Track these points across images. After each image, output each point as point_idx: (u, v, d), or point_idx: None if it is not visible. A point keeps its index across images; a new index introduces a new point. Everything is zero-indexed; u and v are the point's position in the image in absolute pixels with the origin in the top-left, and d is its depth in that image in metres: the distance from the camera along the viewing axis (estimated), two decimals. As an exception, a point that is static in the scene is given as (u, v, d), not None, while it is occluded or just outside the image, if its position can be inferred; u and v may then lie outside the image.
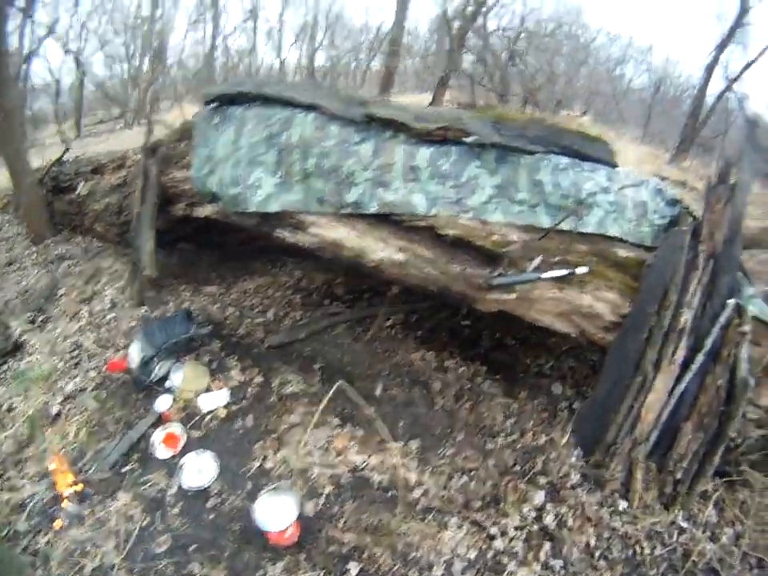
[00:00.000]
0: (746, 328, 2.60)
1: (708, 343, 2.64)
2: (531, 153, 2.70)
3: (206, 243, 4.20)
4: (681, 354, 2.65)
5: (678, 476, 2.67)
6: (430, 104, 10.46)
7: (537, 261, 2.70)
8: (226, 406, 3.18)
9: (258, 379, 3.35)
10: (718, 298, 2.67)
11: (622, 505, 2.66)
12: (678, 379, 2.66)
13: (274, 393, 3.27)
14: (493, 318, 3.09)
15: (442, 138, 2.76)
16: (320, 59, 18.70)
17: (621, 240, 2.80)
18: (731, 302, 2.64)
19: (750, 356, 2.62)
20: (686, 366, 2.66)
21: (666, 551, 2.49)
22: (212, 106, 3.57)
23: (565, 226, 2.72)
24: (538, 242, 2.72)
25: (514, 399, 3.38)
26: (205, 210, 3.59)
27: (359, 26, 18.52)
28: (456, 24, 10.90)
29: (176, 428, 3.01)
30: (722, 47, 11.75)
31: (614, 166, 2.87)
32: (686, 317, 2.64)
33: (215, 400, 3.19)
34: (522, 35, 12.51)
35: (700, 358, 2.64)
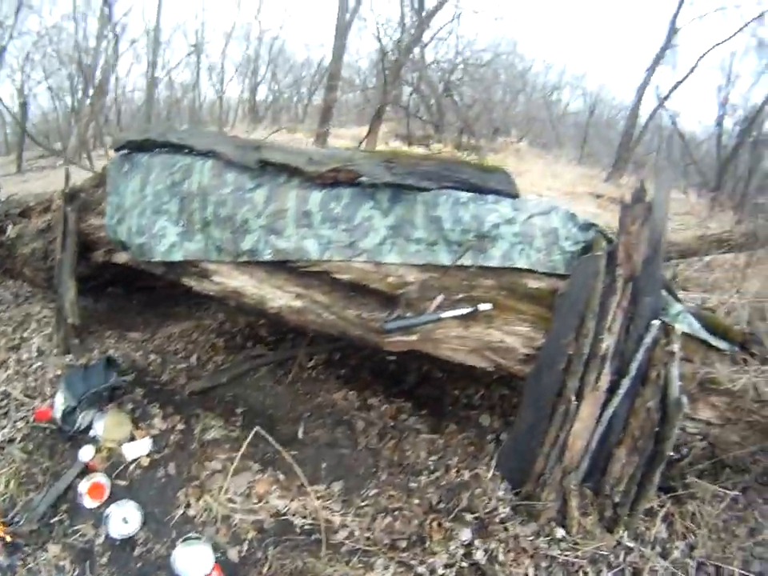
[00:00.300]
0: (675, 347, 2.58)
1: (633, 367, 2.62)
2: (425, 189, 2.67)
3: (133, 287, 4.17)
4: (605, 381, 2.63)
5: (617, 499, 2.66)
6: (366, 137, 10.57)
7: (438, 300, 2.67)
8: (149, 455, 3.16)
9: (180, 426, 3.33)
10: (641, 320, 2.65)
11: (560, 533, 2.63)
12: (605, 405, 2.64)
13: (196, 439, 3.25)
14: (417, 352, 3.08)
15: (333, 180, 2.73)
16: (262, 94, 19.10)
17: (530, 271, 2.76)
18: (655, 323, 2.62)
19: (682, 374, 2.61)
20: (612, 391, 2.64)
21: (613, 573, 2.47)
22: (122, 152, 3.55)
23: (467, 261, 2.68)
24: (438, 280, 2.69)
25: (440, 434, 3.35)
26: (121, 257, 3.56)
27: (301, 60, 18.90)
28: (393, 57, 11.10)
29: (101, 478, 2.99)
30: (652, 69, 12.37)
31: (514, 196, 2.83)
32: (608, 343, 2.62)
33: (138, 448, 3.18)
34: (460, 66, 12.98)
35: (626, 382, 2.62)
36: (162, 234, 3.08)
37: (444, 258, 2.70)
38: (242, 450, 2.90)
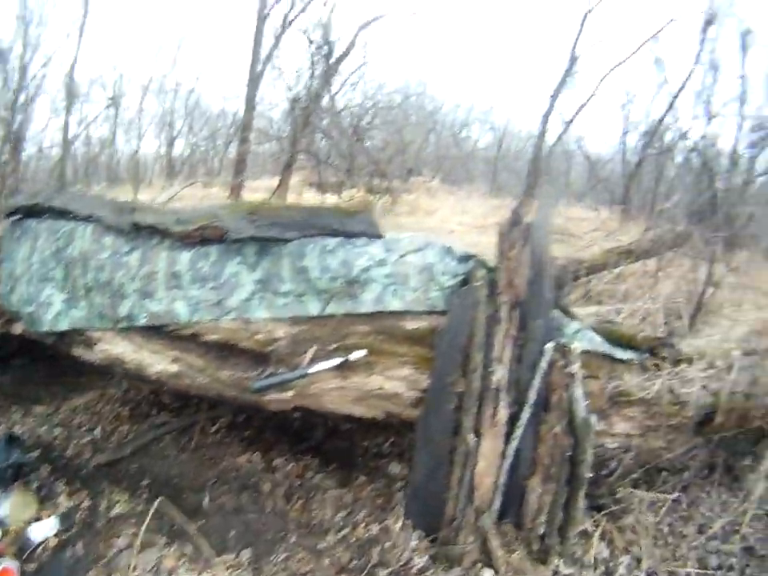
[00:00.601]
0: (574, 367, 2.60)
1: (531, 395, 2.63)
2: (287, 240, 2.77)
3: (39, 358, 4.24)
4: (503, 414, 2.64)
5: (542, 530, 2.63)
6: (278, 187, 10.89)
7: (310, 353, 2.72)
8: (56, 534, 3.11)
9: (87, 503, 3.31)
10: (533, 345, 2.67)
11: (488, 573, 2.59)
12: (509, 438, 2.64)
13: (102, 516, 3.22)
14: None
15: (200, 238, 2.83)
16: (179, 147, 19.44)
17: (407, 312, 2.81)
18: (549, 346, 2.63)
19: (589, 392, 2.63)
20: (514, 422, 2.64)
21: (556, 602, 2.40)
22: (14, 218, 3.67)
23: (338, 309, 2.74)
24: (309, 332, 2.74)
25: (348, 488, 3.31)
26: (17, 328, 3.63)
27: (216, 112, 19.29)
28: (303, 105, 11.58)
29: (9, 563, 2.94)
30: (555, 96, 12.95)
31: (378, 237, 2.90)
32: (499, 374, 2.63)
33: (45, 529, 3.14)
34: (371, 111, 13.57)
35: (526, 411, 2.63)
36: (48, 302, 3.15)
37: (313, 308, 2.76)
38: (146, 523, 2.90)
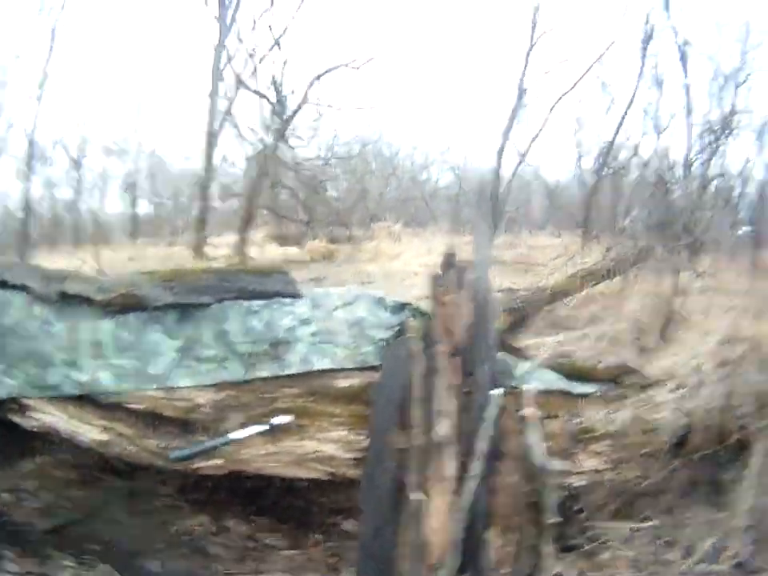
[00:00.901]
0: (528, 411, 2.56)
1: (481, 445, 2.56)
2: (206, 305, 2.83)
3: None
4: (450, 468, 2.57)
5: None
6: (240, 243, 11.26)
7: (237, 419, 2.79)
8: None
9: (34, 569, 3.36)
10: (480, 392, 2.62)
11: None
12: (459, 492, 2.57)
13: None
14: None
15: (121, 307, 2.89)
16: (143, 207, 19.83)
17: (336, 369, 2.81)
18: (495, 392, 2.58)
19: (548, 433, 2.61)
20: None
21: None
22: None
23: (262, 373, 2.76)
24: (235, 398, 2.78)
25: (302, 548, 3.35)
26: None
27: (178, 171, 19.41)
28: (260, 161, 11.97)
29: None
30: (507, 130, 13.65)
31: (296, 296, 2.93)
32: (443, 428, 2.58)
33: None
34: (330, 161, 14.36)
35: (477, 463, 2.56)
36: None
37: (236, 373, 2.77)
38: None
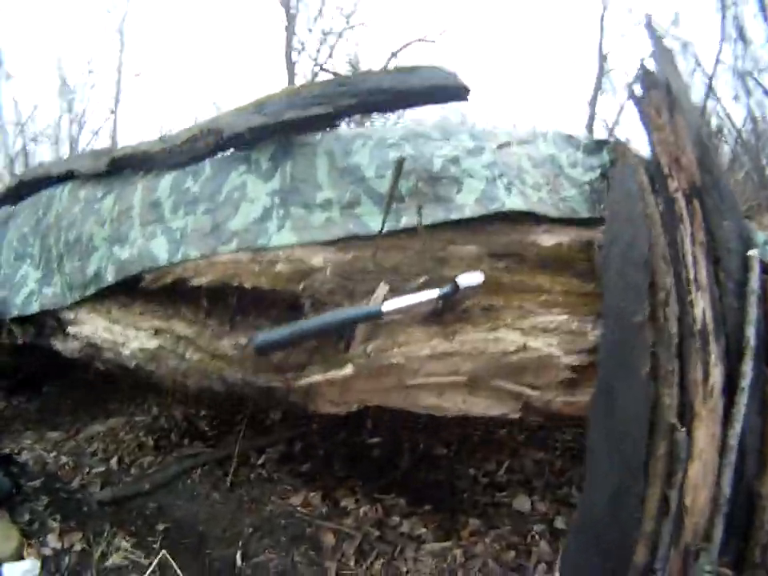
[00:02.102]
0: None
1: (750, 336, 1.09)
2: (314, 128, 1.31)
3: (68, 384, 2.85)
4: (718, 377, 1.07)
5: None
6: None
7: (380, 291, 1.15)
8: None
9: (80, 546, 1.78)
10: (729, 258, 1.15)
11: None
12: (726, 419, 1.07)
13: (93, 566, 1.69)
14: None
15: (192, 156, 1.40)
16: None
17: (535, 220, 1.27)
18: (753, 253, 1.15)
19: None
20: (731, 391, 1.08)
21: None
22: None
23: (420, 220, 1.20)
24: (372, 260, 1.19)
25: (455, 539, 1.63)
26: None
27: None
28: None
29: None
30: (593, 101, 10.09)
31: (462, 89, 1.34)
32: (701, 305, 1.10)
33: (22, 572, 1.69)
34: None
35: (748, 367, 1.08)
36: (22, 282, 1.82)
37: (373, 223, 1.23)
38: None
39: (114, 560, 1.77)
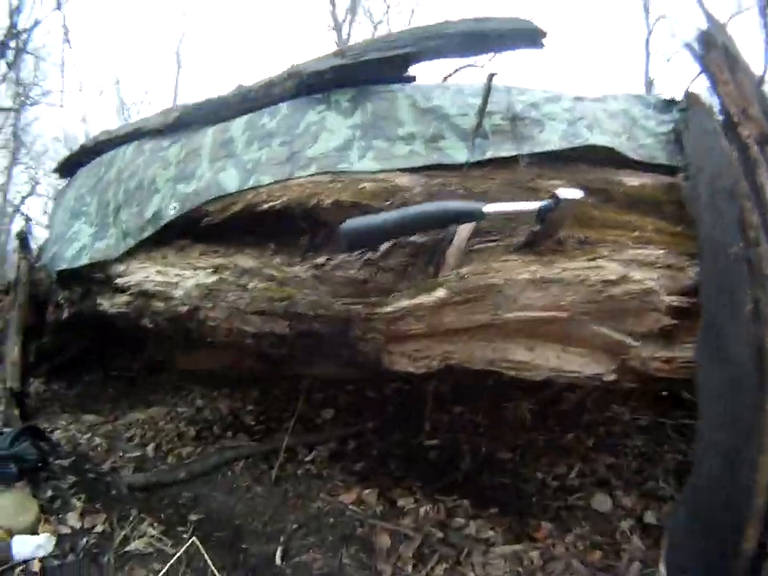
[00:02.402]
0: None
1: None
2: (392, 74, 1.18)
3: (110, 373, 2.59)
4: None
5: None
6: None
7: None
8: (43, 559, 1.42)
9: (101, 527, 1.49)
10: None
11: None
12: None
13: (113, 549, 1.40)
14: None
15: (267, 102, 1.27)
16: None
17: (618, 163, 1.11)
18: None
19: None
20: None
21: None
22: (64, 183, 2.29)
23: (506, 152, 1.07)
24: (459, 186, 1.00)
25: (529, 541, 1.30)
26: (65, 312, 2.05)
27: None
28: None
29: None
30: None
31: (540, 34, 1.18)
32: None
33: (34, 546, 1.44)
34: None
35: None
36: (74, 237, 1.69)
37: (460, 155, 1.07)
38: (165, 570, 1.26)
39: (136, 545, 1.45)
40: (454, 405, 2.05)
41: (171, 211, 1.24)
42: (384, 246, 0.92)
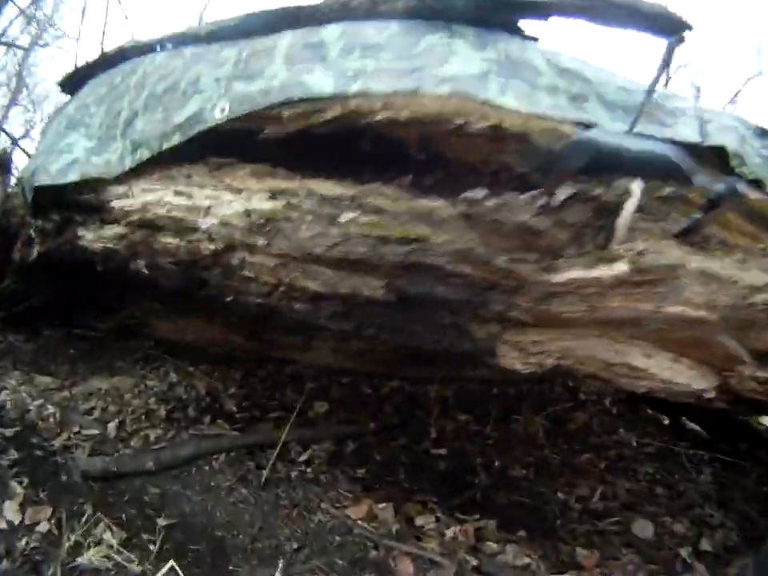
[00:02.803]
0: None
1: None
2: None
3: (75, 330, 1.98)
4: None
5: None
6: None
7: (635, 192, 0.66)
8: None
9: (45, 526, 0.96)
10: None
11: None
12: None
13: (59, 559, 0.89)
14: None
15: (368, 16, 0.88)
16: None
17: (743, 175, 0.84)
18: None
19: None
20: None
21: None
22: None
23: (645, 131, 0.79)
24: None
25: (576, 570, 1.03)
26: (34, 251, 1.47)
27: None
28: None
29: None
30: None
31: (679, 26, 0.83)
32: None
33: None
34: None
35: None
36: (66, 149, 1.18)
37: (604, 120, 0.78)
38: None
39: (91, 556, 0.96)
40: (459, 412, 1.77)
41: (218, 113, 0.80)
42: (563, 194, 0.62)
